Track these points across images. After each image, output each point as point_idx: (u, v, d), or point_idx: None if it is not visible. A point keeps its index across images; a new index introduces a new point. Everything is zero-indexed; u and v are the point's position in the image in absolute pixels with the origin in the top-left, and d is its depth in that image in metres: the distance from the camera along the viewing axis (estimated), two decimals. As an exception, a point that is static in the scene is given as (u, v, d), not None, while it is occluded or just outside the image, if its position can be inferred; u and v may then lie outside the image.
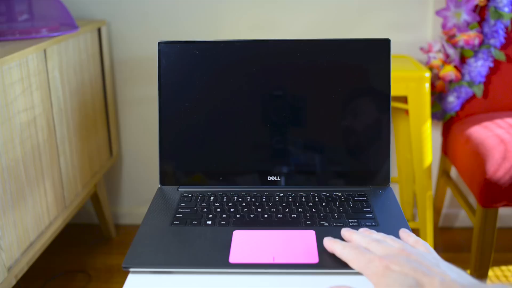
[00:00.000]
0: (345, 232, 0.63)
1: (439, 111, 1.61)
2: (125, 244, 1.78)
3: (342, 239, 0.64)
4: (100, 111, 1.61)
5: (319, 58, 0.82)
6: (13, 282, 1.10)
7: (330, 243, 0.62)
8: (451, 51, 1.54)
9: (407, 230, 0.62)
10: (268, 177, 0.83)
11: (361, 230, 0.63)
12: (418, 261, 0.52)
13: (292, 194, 0.79)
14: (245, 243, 0.65)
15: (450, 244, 1.76)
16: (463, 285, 0.48)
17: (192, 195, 0.79)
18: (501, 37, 1.51)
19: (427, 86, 1.42)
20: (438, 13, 1.56)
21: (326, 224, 0.70)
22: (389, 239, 0.59)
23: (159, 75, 0.83)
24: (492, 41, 1.51)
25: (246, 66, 0.82)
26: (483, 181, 1.27)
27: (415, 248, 0.57)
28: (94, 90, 1.55)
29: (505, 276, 1.56)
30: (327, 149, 0.83)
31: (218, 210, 0.75)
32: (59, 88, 1.30)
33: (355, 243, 0.60)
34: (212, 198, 0.78)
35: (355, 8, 1.63)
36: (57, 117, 1.29)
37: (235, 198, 0.78)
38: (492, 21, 1.50)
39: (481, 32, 1.53)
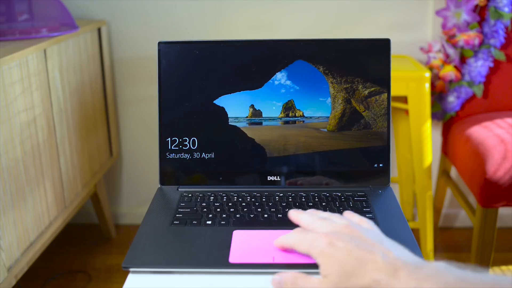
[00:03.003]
0: (292, 213, 0.63)
1: (439, 111, 1.61)
2: (125, 244, 1.78)
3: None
4: (100, 111, 1.61)
5: (319, 58, 0.82)
6: (13, 282, 1.10)
7: (278, 244, 0.62)
8: (451, 51, 1.54)
9: (351, 212, 0.62)
10: (268, 177, 0.83)
11: (309, 210, 0.63)
12: (362, 238, 0.53)
13: (292, 194, 0.79)
14: (245, 243, 0.65)
15: (450, 244, 1.76)
16: (406, 262, 0.49)
17: (192, 195, 0.79)
18: (501, 37, 1.51)
19: (427, 86, 1.42)
20: (438, 13, 1.56)
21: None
22: (335, 216, 0.59)
23: (159, 75, 0.83)
24: (492, 41, 1.51)
25: (246, 66, 0.82)
26: (483, 181, 1.26)
27: (360, 225, 0.57)
28: (94, 90, 1.55)
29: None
30: (328, 149, 0.83)
31: (218, 210, 0.75)
32: (59, 88, 1.30)
33: (302, 222, 0.61)
34: (212, 198, 0.78)
35: (355, 8, 1.63)
36: (57, 117, 1.29)
37: (235, 198, 0.78)
38: (492, 21, 1.50)
39: (481, 32, 1.53)
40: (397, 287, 0.47)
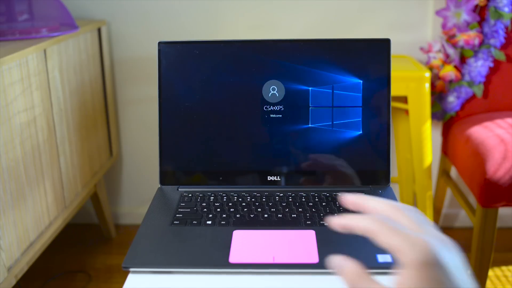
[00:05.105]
0: (352, 199, 0.45)
1: (439, 111, 1.61)
2: (125, 244, 1.78)
3: (339, 241, 0.63)
4: (100, 111, 1.61)
5: (319, 58, 0.82)
6: (13, 282, 1.10)
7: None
8: (451, 51, 1.54)
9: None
10: (268, 177, 0.83)
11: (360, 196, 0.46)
12: (458, 261, 0.41)
13: (292, 194, 0.79)
14: (245, 243, 0.65)
15: (450, 244, 1.76)
16: None
17: (192, 195, 0.79)
18: (501, 37, 1.51)
19: (427, 86, 1.42)
20: (438, 13, 1.56)
21: (326, 224, 0.70)
22: (418, 214, 0.44)
23: (159, 75, 0.83)
24: (492, 41, 1.51)
25: (246, 66, 0.82)
26: (483, 181, 1.26)
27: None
28: (94, 90, 1.55)
29: (505, 276, 1.56)
30: (327, 149, 0.83)
31: (218, 210, 0.75)
32: (59, 88, 1.30)
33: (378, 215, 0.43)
34: (212, 198, 0.78)
35: (355, 8, 1.63)
36: (57, 117, 1.29)
37: (235, 198, 0.78)
38: (492, 21, 1.50)
39: (481, 32, 1.53)
40: None
